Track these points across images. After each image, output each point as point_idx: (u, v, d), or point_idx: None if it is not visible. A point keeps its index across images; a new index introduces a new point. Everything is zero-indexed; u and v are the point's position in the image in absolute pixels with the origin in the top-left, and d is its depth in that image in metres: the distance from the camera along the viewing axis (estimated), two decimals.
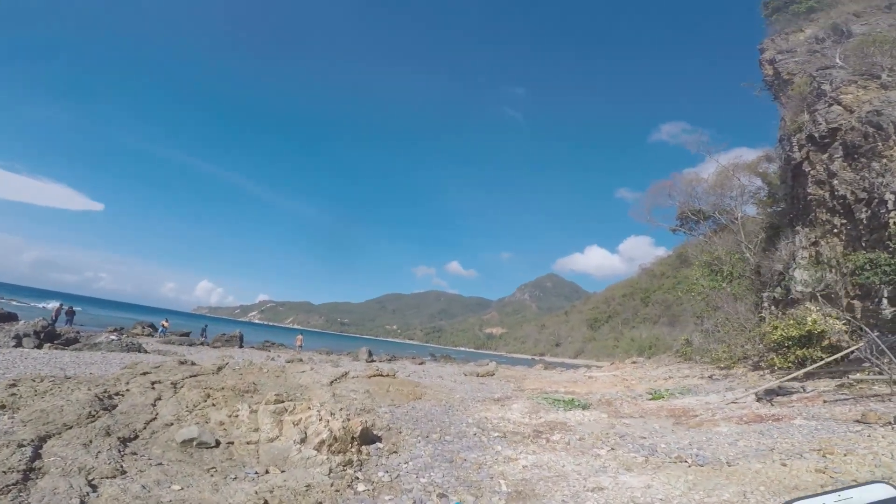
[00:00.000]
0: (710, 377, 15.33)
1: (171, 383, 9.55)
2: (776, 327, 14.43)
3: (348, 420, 6.17)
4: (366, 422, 6.47)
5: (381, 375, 16.84)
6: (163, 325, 31.17)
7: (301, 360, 22.92)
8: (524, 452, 6.20)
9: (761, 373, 14.31)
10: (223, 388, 9.54)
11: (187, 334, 31.72)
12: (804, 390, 9.47)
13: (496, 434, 7.44)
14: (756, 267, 24.68)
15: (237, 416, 6.29)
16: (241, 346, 28.79)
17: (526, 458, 5.92)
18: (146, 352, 19.10)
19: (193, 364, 13.47)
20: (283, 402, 6.21)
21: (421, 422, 8.39)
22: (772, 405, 8.67)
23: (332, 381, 13.35)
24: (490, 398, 12.98)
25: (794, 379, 10.67)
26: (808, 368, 10.35)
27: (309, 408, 6.00)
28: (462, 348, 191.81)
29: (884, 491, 0.72)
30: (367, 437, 6.29)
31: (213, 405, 8.00)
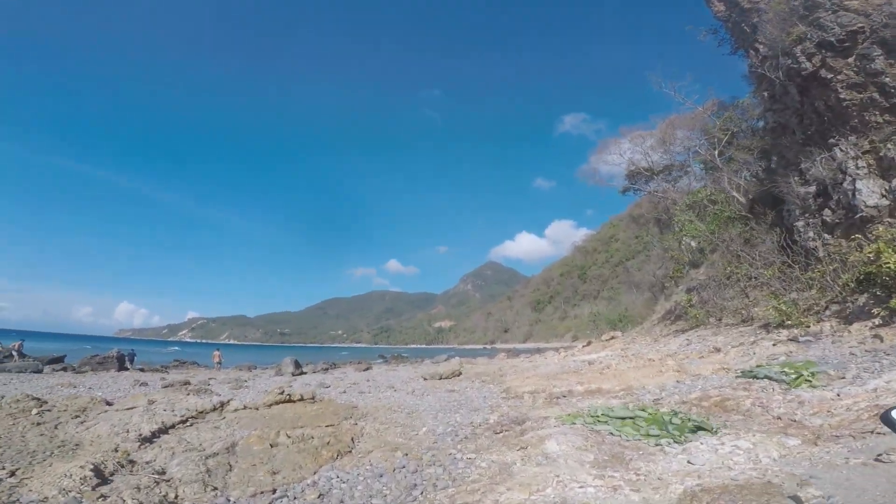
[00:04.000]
0: (795, 339, 10.42)
1: None
2: (880, 252, 9.78)
3: None
4: None
5: (290, 401, 10.26)
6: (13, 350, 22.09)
7: (188, 382, 15.78)
8: None
9: (869, 324, 9.58)
10: None
11: (60, 359, 23.90)
12: None
13: None
14: (750, 205, 21.02)
15: None
16: (120, 370, 21.73)
17: None
18: None
19: None
20: None
21: None
22: None
23: (166, 428, 6.62)
24: (484, 425, 6.96)
25: None
26: None
27: None
28: (414, 345, 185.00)
29: None
30: None
31: None
